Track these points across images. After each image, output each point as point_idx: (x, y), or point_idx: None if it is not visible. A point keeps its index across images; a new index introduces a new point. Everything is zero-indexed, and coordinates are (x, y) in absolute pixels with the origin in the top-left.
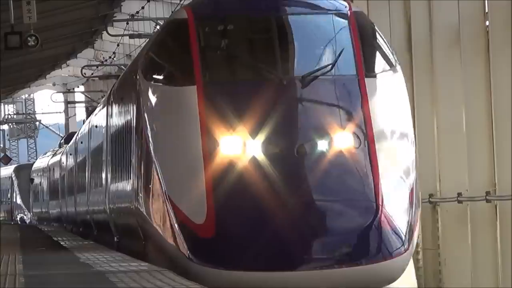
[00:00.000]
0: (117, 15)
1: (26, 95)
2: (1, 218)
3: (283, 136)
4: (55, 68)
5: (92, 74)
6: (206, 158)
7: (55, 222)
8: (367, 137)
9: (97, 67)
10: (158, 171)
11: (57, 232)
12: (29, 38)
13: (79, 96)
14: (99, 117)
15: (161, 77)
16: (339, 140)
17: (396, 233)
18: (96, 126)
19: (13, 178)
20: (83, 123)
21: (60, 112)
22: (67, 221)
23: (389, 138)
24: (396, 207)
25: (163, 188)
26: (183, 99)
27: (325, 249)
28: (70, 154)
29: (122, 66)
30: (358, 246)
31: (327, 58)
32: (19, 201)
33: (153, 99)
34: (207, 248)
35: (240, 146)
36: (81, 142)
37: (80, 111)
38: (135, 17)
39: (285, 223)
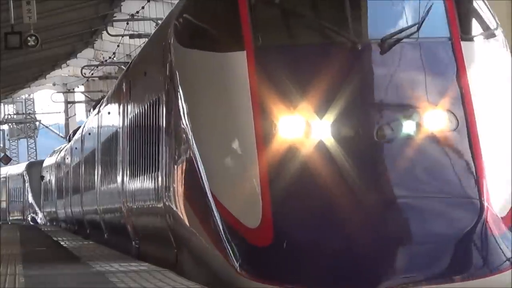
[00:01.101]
0: (117, 15)
1: (26, 95)
2: (14, 218)
3: (358, 116)
4: (55, 68)
5: (92, 74)
6: (260, 144)
7: (61, 222)
8: (466, 116)
9: (97, 67)
10: (198, 160)
11: (57, 232)
12: (29, 38)
13: (79, 96)
14: (112, 102)
15: (201, 42)
16: (430, 121)
17: (506, 239)
18: (109, 113)
19: (25, 176)
20: (87, 118)
21: (59, 112)
22: (71, 222)
23: (493, 118)
24: (505, 205)
25: (204, 182)
26: (229, 68)
27: (415, 261)
28: (76, 148)
29: (122, 66)
30: (458, 257)
31: (412, 17)
32: (30, 200)
33: (190, 69)
34: (263, 259)
35: (303, 128)
36: (89, 134)
37: (80, 111)
38: (135, 17)
39: (363, 229)
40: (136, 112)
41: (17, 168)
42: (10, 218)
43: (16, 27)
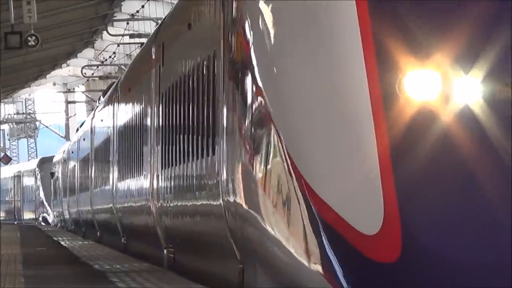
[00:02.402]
0: (117, 15)
1: (27, 95)
2: (27, 218)
3: None
4: (55, 68)
5: (92, 74)
6: (378, 111)
7: (66, 224)
8: None
9: (97, 67)
10: (283, 140)
11: (57, 232)
12: (29, 38)
13: (79, 96)
14: (135, 75)
15: None
16: None
17: None
18: (129, 89)
19: (37, 173)
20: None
21: (60, 112)
22: (76, 224)
23: None
24: None
25: (292, 169)
26: (330, 17)
27: None
28: (84, 139)
29: (123, 66)
30: None
31: None
32: (42, 198)
33: (272, 20)
34: (386, 281)
35: (440, 87)
36: (101, 120)
37: (80, 111)
38: (135, 17)
39: None
40: (175, 82)
41: (31, 165)
42: (24, 218)
43: (16, 27)
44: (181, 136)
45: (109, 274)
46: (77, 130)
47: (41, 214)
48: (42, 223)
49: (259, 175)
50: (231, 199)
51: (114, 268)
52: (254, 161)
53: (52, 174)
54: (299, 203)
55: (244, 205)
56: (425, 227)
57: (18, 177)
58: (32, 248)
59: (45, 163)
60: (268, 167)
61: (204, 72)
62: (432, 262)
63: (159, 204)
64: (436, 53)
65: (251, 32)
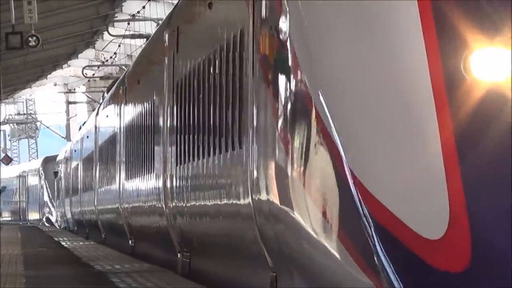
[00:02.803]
0: (118, 15)
1: (28, 96)
2: (32, 219)
3: None
4: (56, 68)
5: (93, 74)
6: (440, 94)
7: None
8: None
9: (98, 67)
10: (329, 134)
11: (57, 232)
12: (30, 38)
13: (80, 97)
14: (146, 62)
15: None
16: None
17: None
18: (138, 81)
19: (41, 173)
20: (87, 120)
21: (60, 113)
22: (79, 224)
23: None
24: None
25: (338, 164)
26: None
27: None
28: (87, 137)
29: (123, 66)
30: None
31: None
32: (46, 198)
33: (316, 10)
34: None
35: (510, 66)
36: (107, 116)
37: (81, 112)
38: (136, 17)
39: None
40: (193, 70)
41: (35, 164)
42: (29, 218)
43: (17, 27)
44: (200, 129)
45: (110, 274)
46: (80, 128)
47: (45, 215)
48: (46, 224)
49: (301, 172)
50: (264, 197)
51: (115, 268)
52: (296, 157)
53: (56, 173)
54: (348, 203)
55: (280, 205)
56: (499, 230)
57: (22, 177)
58: (33, 249)
59: (49, 162)
60: (313, 163)
61: (229, 58)
62: (507, 273)
63: (173, 204)
64: (507, 28)
65: (292, 23)
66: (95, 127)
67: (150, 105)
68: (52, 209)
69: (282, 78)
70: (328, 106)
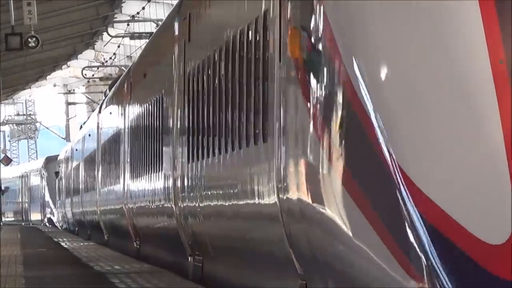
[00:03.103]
0: (117, 16)
1: (27, 96)
2: (35, 220)
3: None
4: (55, 69)
5: (92, 75)
6: (503, 88)
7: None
8: None
9: (98, 68)
10: (375, 129)
11: (57, 232)
12: (29, 39)
13: (79, 97)
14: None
15: None
16: None
17: None
18: (145, 75)
19: (43, 173)
20: (85, 122)
21: (60, 113)
22: (80, 225)
23: None
24: None
25: (386, 160)
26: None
27: None
28: (89, 135)
29: (123, 67)
30: None
31: None
32: (47, 198)
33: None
34: None
35: None
36: (110, 113)
37: (80, 112)
38: (135, 18)
39: None
40: (207, 60)
41: (37, 164)
42: (32, 219)
43: (16, 28)
44: (216, 123)
45: (109, 275)
46: (81, 127)
47: (47, 215)
48: (48, 225)
49: (340, 168)
50: (294, 197)
51: (115, 269)
52: (334, 151)
53: (57, 173)
54: (396, 202)
55: (315, 205)
56: None
57: (25, 177)
58: (32, 249)
59: (51, 162)
60: (354, 160)
61: (250, 44)
62: None
63: (184, 204)
64: None
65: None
66: (98, 125)
67: (157, 100)
68: (54, 209)
69: (319, 69)
70: (372, 99)
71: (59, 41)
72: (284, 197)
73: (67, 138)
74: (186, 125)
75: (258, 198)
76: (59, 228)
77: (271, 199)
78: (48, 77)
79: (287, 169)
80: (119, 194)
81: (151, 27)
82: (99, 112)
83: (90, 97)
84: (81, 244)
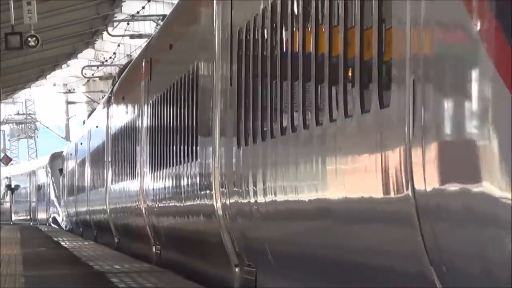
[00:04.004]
0: (117, 15)
1: (27, 96)
2: (42, 218)
3: None
4: (55, 68)
5: (92, 74)
6: None
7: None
8: None
9: (98, 67)
10: None
11: (57, 232)
12: (29, 39)
13: (79, 97)
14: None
15: None
16: None
17: None
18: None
19: (48, 170)
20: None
21: (60, 113)
22: (85, 226)
23: None
24: None
25: None
26: None
27: None
28: (97, 127)
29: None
30: None
31: None
32: (52, 197)
33: None
34: None
35: None
36: (123, 98)
37: (80, 112)
38: (135, 17)
39: None
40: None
41: (41, 161)
42: (39, 218)
43: (16, 27)
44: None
45: (109, 274)
46: (84, 122)
47: (52, 215)
48: (52, 225)
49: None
50: (444, 189)
51: (114, 268)
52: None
53: (61, 170)
54: None
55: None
56: None
57: (31, 175)
58: (32, 249)
59: (56, 159)
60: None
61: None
62: None
63: (229, 201)
64: None
65: None
66: (107, 116)
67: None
68: (59, 208)
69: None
70: None
71: (59, 40)
72: (422, 189)
73: (67, 137)
74: (228, 105)
75: (375, 191)
76: (64, 228)
77: (399, 192)
78: (48, 76)
79: (428, 147)
80: (133, 192)
81: (151, 26)
82: (109, 101)
83: (90, 97)
84: (80, 243)
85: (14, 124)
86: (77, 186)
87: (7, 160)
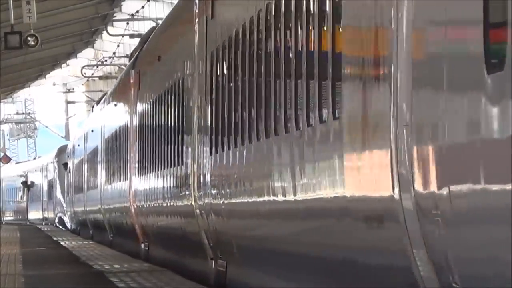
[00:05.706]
0: (117, 14)
1: (27, 95)
2: (50, 217)
3: None
4: (55, 68)
5: (92, 74)
6: None
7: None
8: None
9: (97, 67)
10: None
11: (56, 231)
12: (29, 38)
13: (79, 96)
14: None
15: None
16: None
17: None
18: (159, 58)
19: (55, 165)
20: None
21: (59, 112)
22: (95, 227)
23: None
24: None
25: None
26: None
27: None
28: (114, 108)
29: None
30: None
31: None
32: (58, 194)
33: None
34: None
35: None
36: (150, 78)
37: (80, 111)
38: (135, 16)
39: None
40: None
41: (48, 157)
42: (48, 216)
43: (16, 27)
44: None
45: (109, 274)
46: (92, 109)
47: (58, 214)
48: (58, 226)
49: None
50: (448, 187)
51: (114, 268)
52: None
53: (65, 165)
54: None
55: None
56: None
57: (40, 171)
58: (32, 248)
59: (63, 153)
60: None
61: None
62: None
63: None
64: None
65: None
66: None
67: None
68: (65, 207)
69: None
70: None
71: (58, 40)
72: (416, 188)
73: (67, 137)
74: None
75: (372, 190)
76: (69, 229)
77: (384, 191)
78: (47, 75)
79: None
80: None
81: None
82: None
83: (89, 96)
84: (80, 242)
85: (13, 123)
86: (86, 182)
87: (6, 160)
